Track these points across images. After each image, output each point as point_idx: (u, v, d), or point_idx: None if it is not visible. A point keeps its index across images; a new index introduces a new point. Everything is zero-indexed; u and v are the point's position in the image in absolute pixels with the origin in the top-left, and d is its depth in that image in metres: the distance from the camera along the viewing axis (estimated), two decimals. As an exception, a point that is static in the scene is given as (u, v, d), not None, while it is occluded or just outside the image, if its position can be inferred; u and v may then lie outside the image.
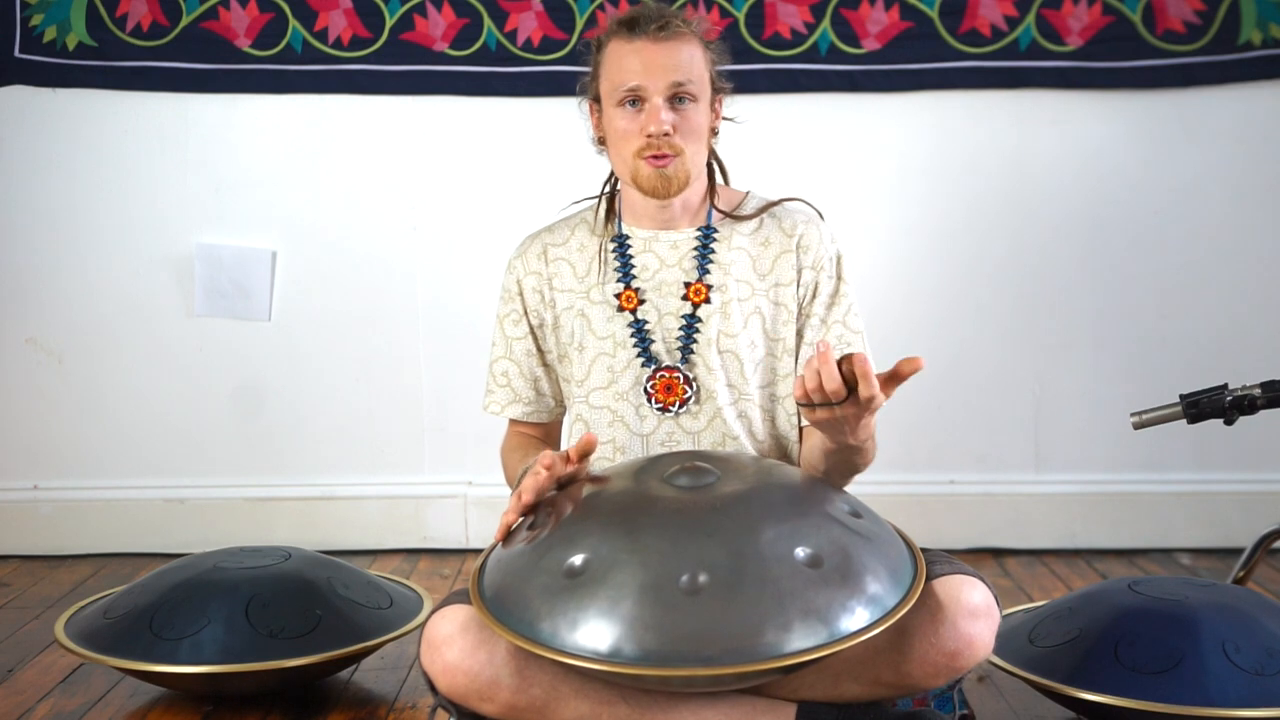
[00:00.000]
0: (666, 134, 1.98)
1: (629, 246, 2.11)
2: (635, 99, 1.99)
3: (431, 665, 1.81)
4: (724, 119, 2.12)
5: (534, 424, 2.22)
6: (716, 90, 2.07)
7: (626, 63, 2.00)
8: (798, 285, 2.09)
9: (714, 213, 2.11)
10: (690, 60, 2.01)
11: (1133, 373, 3.25)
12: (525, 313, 2.16)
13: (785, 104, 3.20)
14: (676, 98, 1.99)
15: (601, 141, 2.10)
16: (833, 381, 1.70)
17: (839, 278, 2.11)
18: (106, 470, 3.36)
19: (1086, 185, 3.24)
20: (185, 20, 3.21)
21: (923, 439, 3.30)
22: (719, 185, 2.15)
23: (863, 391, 1.70)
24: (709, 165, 2.13)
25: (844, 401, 1.72)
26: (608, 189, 2.16)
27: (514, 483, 2.08)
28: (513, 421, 2.23)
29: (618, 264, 2.10)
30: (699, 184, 2.09)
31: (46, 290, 3.31)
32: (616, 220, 2.13)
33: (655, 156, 1.99)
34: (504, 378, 2.19)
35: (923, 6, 3.17)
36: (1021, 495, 3.30)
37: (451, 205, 3.29)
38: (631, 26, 2.00)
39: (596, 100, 2.08)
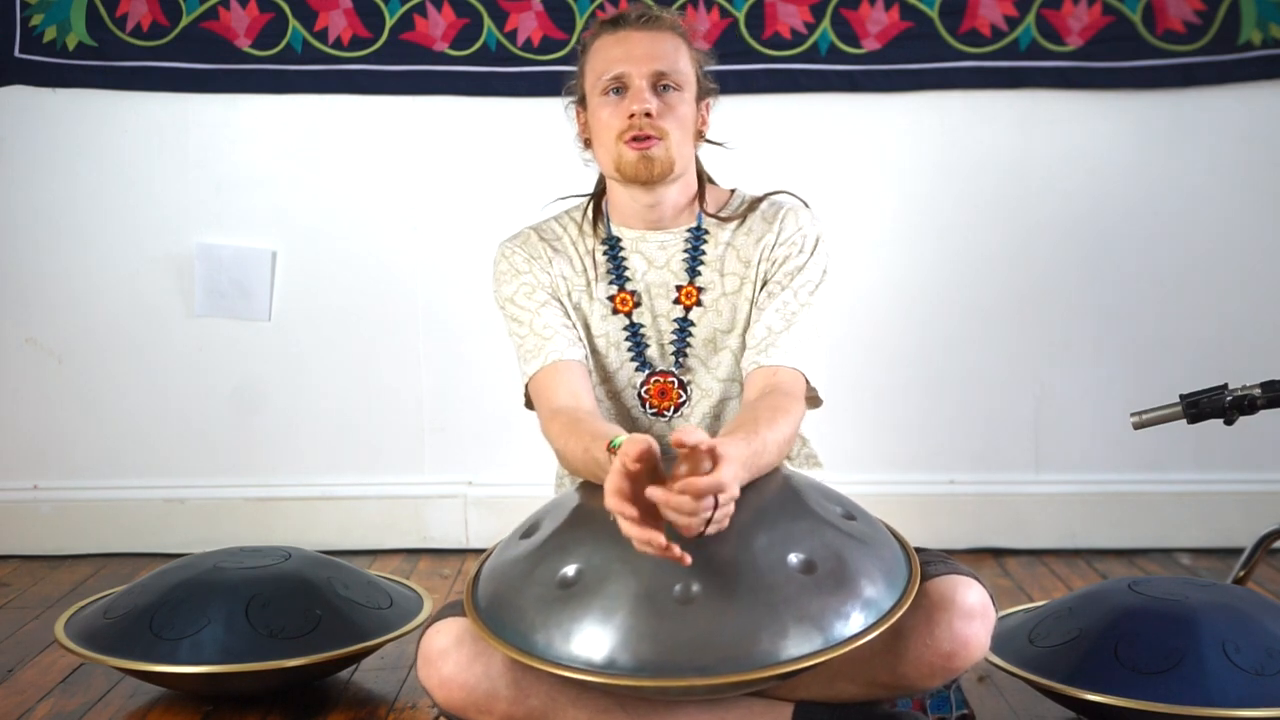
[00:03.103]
0: (649, 114, 1.96)
1: (620, 249, 2.09)
2: (619, 86, 1.99)
3: (428, 679, 1.81)
4: (714, 143, 2.10)
5: (577, 392, 2.00)
6: (704, 92, 2.06)
7: (610, 52, 2.00)
8: (771, 264, 2.04)
9: (703, 215, 2.08)
10: (674, 50, 2.01)
11: (1133, 373, 3.25)
12: (538, 285, 2.07)
13: (785, 104, 3.20)
14: (660, 85, 1.98)
15: (587, 143, 2.08)
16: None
17: (811, 254, 2.04)
18: (106, 470, 3.36)
19: (1086, 185, 3.23)
20: (185, 20, 3.21)
21: (923, 439, 3.30)
22: (706, 185, 2.12)
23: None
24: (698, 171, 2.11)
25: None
26: (595, 191, 2.14)
27: (587, 464, 1.87)
28: (549, 408, 2.00)
29: (610, 266, 2.08)
30: (686, 184, 2.07)
31: (46, 290, 3.31)
32: (605, 222, 2.11)
33: (637, 139, 1.97)
34: (547, 329, 2.03)
35: (923, 6, 3.17)
36: (1021, 495, 3.30)
37: (451, 205, 3.29)
38: (615, 22, 2.02)
39: (582, 101, 2.07)
